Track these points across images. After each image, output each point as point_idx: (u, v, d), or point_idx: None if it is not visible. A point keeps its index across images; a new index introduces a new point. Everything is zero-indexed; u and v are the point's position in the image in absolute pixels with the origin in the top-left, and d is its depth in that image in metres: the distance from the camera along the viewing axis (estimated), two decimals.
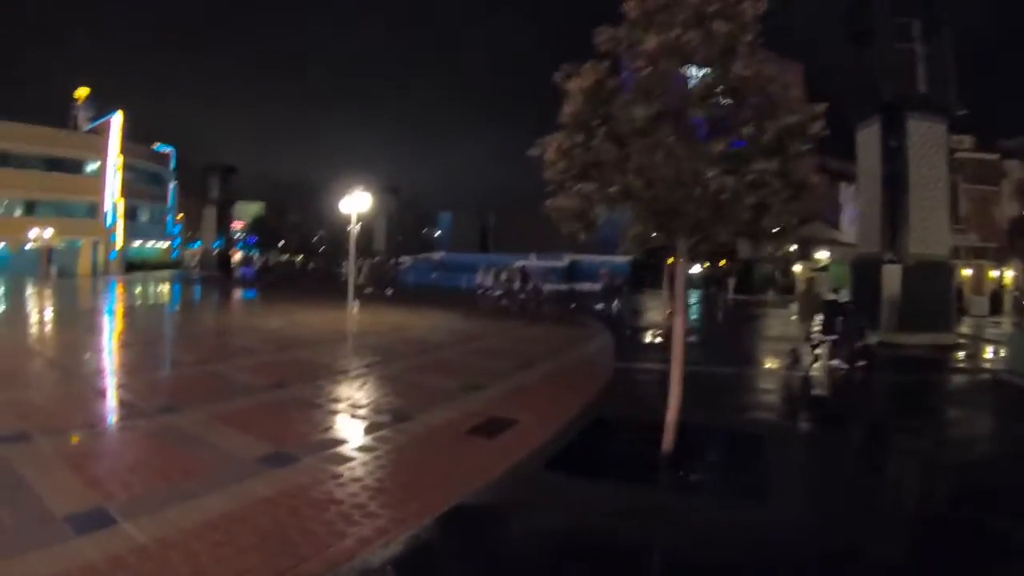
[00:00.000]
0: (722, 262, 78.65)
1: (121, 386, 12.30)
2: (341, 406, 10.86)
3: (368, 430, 9.38)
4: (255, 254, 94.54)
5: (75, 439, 8.63)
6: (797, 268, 56.46)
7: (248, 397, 11.28)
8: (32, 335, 20.34)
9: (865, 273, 25.80)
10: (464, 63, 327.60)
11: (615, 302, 33.93)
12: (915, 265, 23.75)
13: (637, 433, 9.92)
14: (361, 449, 8.43)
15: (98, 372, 13.96)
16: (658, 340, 22.57)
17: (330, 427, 9.65)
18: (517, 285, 40.26)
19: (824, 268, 52.24)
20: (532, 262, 53.25)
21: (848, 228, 60.64)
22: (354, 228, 23.70)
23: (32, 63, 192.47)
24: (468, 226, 70.99)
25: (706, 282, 59.04)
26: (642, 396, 13.06)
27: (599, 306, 34.66)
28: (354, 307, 22.67)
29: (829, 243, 58.38)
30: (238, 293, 43.74)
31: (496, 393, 12.24)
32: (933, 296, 23.59)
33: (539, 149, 8.06)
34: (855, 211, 46.84)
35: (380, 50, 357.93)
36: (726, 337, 26.28)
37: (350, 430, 9.44)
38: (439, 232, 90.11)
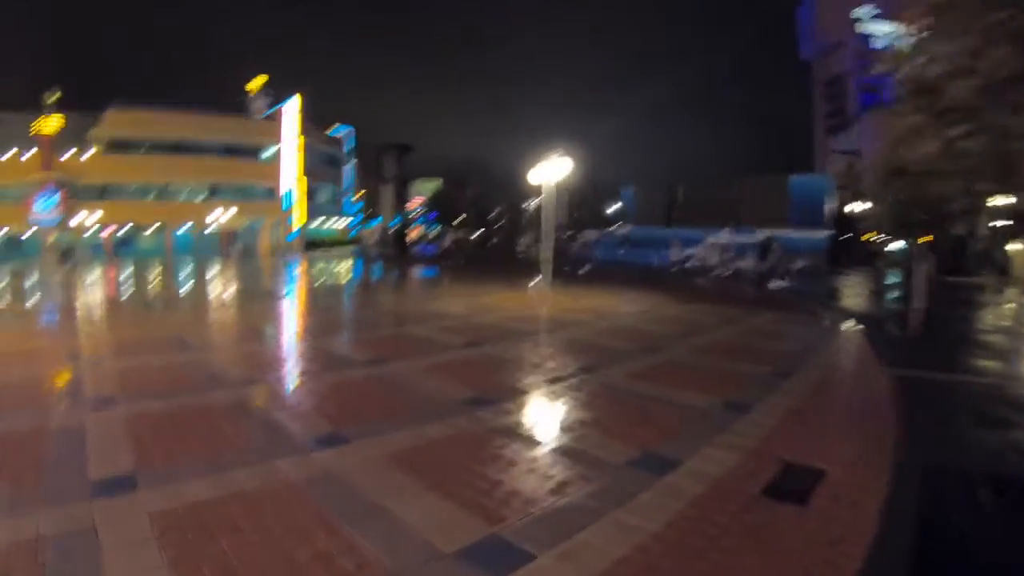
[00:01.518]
0: (927, 238, 72.53)
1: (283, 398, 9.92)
2: (566, 441, 7.74)
3: (618, 488, 6.33)
4: (435, 229, 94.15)
5: None
6: (1014, 247, 49.56)
7: (431, 420, 8.42)
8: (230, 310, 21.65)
9: None
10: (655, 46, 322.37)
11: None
12: None
13: (999, 492, 6.64)
14: (623, 530, 5.44)
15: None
16: (910, 336, 18.20)
17: (553, 479, 6.58)
18: (753, 262, 36.82)
19: None
20: (725, 237, 49.76)
21: None
22: (550, 197, 21.15)
23: (209, 53, 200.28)
24: (651, 200, 67.24)
25: (893, 262, 54.08)
26: (962, 425, 9.31)
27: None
28: (541, 286, 20.11)
29: None
30: (417, 272, 41.74)
31: (767, 418, 8.90)
32: None
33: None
34: None
35: (557, 24, 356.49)
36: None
37: (588, 490, 6.32)
38: (617, 206, 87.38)
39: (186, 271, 43.12)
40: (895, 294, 29.88)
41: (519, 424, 8.39)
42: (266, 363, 12.46)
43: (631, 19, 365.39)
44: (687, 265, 43.60)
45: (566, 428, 8.26)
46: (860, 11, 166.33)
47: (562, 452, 7.33)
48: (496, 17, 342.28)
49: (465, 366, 11.80)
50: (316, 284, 32.97)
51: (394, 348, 13.61)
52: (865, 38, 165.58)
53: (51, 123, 62.68)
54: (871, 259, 64.33)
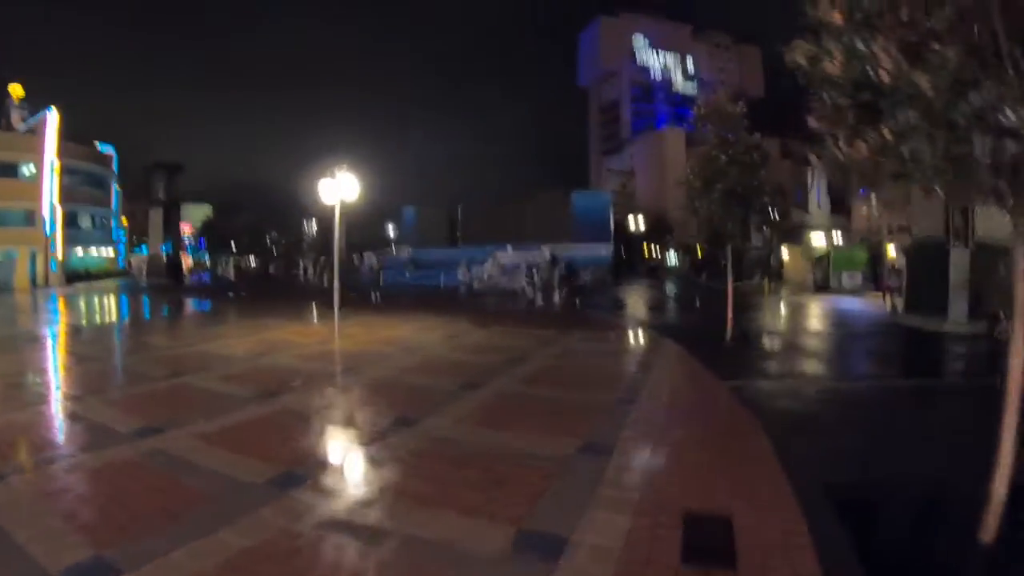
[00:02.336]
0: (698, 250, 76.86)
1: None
2: (415, 531, 5.81)
3: None
4: (209, 257, 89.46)
5: None
6: (785, 255, 54.29)
7: (228, 520, 6.01)
8: None
9: (927, 257, 25.07)
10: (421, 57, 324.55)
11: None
12: (980, 249, 22.93)
13: (906, 516, 6.51)
14: None
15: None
16: (731, 343, 18.65)
17: None
18: (545, 276, 36.29)
19: (823, 255, 50.16)
20: (508, 254, 49.54)
21: (816, 211, 59.74)
22: (338, 217, 19.45)
23: None
24: (433, 221, 66.42)
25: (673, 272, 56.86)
26: (831, 439, 9.28)
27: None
28: (333, 316, 18.47)
29: (823, 227, 56.57)
30: (194, 305, 37.01)
31: (635, 458, 7.80)
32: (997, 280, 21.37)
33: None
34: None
35: (330, 47, 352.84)
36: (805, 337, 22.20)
37: None
38: (393, 229, 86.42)
39: None
40: (678, 302, 31.25)
41: (344, 510, 6.38)
42: None
43: (414, 41, 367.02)
44: (476, 285, 42.79)
45: (407, 512, 6.28)
46: (636, 41, 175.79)
47: (418, 548, 5.48)
48: (271, 37, 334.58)
49: (261, 429, 9.44)
50: (79, 323, 28.25)
51: (170, 409, 10.55)
52: (639, 67, 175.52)
53: None
54: (652, 271, 67.03)
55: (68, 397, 11.60)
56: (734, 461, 7.57)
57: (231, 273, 48.95)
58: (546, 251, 50.26)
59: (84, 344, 19.81)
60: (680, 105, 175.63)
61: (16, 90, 73.17)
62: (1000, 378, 5.53)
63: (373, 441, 8.72)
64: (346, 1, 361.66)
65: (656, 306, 32.41)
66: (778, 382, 13.78)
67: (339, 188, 19.25)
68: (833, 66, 6.43)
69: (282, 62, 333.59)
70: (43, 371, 14.86)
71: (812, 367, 16.23)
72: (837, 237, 58.64)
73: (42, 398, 11.63)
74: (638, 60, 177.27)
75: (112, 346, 19.76)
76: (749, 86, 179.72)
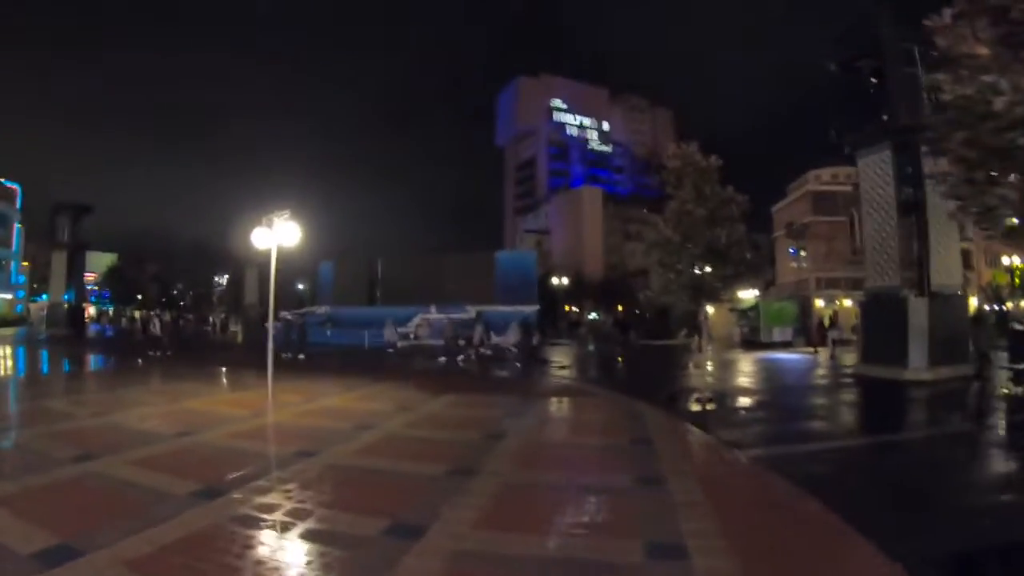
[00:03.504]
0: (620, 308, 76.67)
1: None
2: None
3: None
4: (112, 309, 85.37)
5: None
6: (710, 309, 53.78)
7: None
8: None
9: (883, 307, 25.55)
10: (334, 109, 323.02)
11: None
12: (937, 297, 24.42)
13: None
14: None
15: None
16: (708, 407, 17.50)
17: None
18: (477, 338, 34.88)
19: (751, 308, 50.20)
20: (433, 314, 47.85)
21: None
22: (273, 266, 17.59)
23: None
24: (350, 277, 63.97)
25: (597, 330, 56.49)
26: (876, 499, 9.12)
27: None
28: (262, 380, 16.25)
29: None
30: (98, 362, 33.87)
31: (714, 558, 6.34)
32: (953, 328, 24.05)
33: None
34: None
35: (248, 99, 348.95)
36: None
37: None
38: (304, 285, 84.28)
39: None
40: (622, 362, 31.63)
41: None
42: None
43: (335, 93, 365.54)
44: (400, 345, 40.90)
45: None
46: (554, 102, 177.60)
47: None
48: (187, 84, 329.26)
49: (211, 551, 6.87)
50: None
51: (83, 513, 8.02)
52: (557, 126, 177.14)
53: None
54: (573, 328, 66.46)
55: None
56: (825, 552, 6.84)
57: (156, 327, 45.51)
58: (472, 311, 48.80)
59: None
60: (595, 165, 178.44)
61: None
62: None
63: (379, 569, 6.37)
64: (263, 55, 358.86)
65: (602, 365, 30.89)
66: (791, 446, 12.80)
67: (277, 235, 17.52)
68: (1001, 103, 5.47)
69: (197, 111, 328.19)
70: None
71: (812, 426, 15.83)
72: (758, 291, 59.27)
73: None
74: (555, 120, 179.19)
75: (3, 413, 16.92)
76: (662, 146, 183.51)
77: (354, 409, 17.06)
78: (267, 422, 14.75)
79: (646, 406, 17.08)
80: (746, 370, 29.22)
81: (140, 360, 31.98)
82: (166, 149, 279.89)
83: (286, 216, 17.65)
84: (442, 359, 32.44)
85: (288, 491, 9.20)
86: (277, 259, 18.08)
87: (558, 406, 18.42)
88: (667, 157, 26.47)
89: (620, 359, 32.79)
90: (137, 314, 78.96)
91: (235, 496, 8.89)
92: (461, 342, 34.75)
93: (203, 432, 13.36)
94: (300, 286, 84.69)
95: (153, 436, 12.88)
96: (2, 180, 77.79)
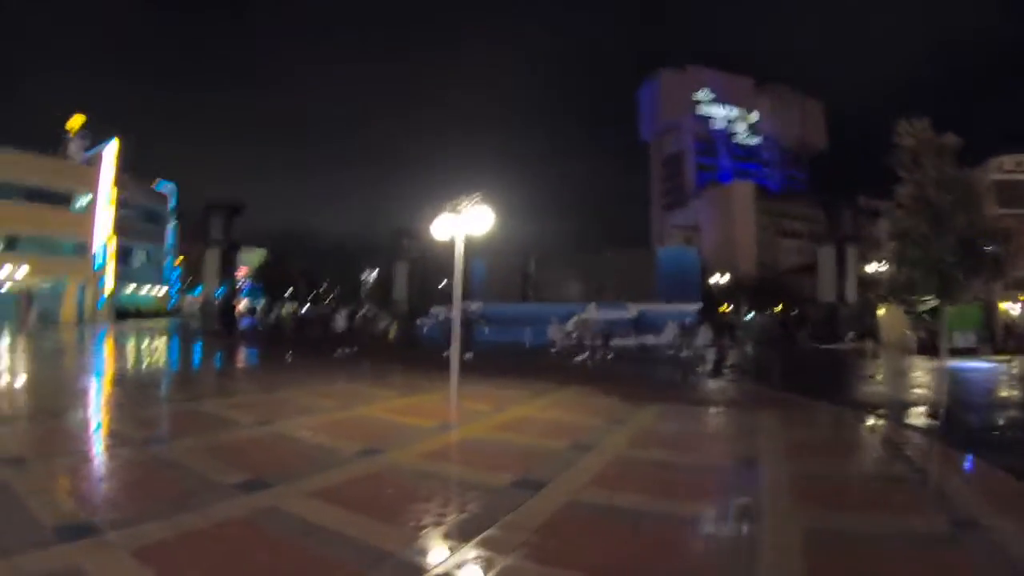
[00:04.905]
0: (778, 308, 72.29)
1: None
2: None
3: None
4: (264, 303, 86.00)
5: None
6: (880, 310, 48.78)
7: None
8: None
9: None
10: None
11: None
12: None
13: None
14: None
15: None
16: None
17: None
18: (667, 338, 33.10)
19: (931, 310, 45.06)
20: (591, 313, 45.25)
21: None
22: (459, 259, 15.33)
23: (27, 95, 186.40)
24: (504, 273, 62.01)
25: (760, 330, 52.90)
26: None
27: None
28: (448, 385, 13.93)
29: None
30: (253, 355, 33.48)
31: None
32: None
33: None
34: None
35: (384, 96, 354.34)
36: None
37: None
38: (445, 283, 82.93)
39: None
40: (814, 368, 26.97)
41: None
42: None
43: (471, 90, 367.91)
44: (562, 344, 38.38)
45: None
46: (699, 95, 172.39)
47: None
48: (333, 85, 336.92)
49: None
50: (123, 373, 24.59)
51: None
52: (702, 119, 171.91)
53: None
54: (730, 329, 63.08)
55: (74, 530, 6.82)
56: None
57: (339, 321, 44.23)
58: (632, 309, 46.35)
59: (122, 412, 15.18)
60: (743, 159, 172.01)
61: (76, 121, 71.62)
62: None
63: None
64: (403, 50, 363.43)
65: (779, 370, 27.45)
66: None
67: (465, 222, 15.28)
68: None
69: (340, 111, 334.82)
70: (52, 468, 9.63)
71: None
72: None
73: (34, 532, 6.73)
74: (701, 113, 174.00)
75: (153, 417, 14.83)
76: (812, 138, 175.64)
77: (555, 421, 14.42)
78: (460, 437, 12.28)
79: (875, 422, 15.07)
80: (947, 380, 25.25)
81: (293, 356, 30.45)
82: (314, 150, 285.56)
83: (477, 200, 15.38)
84: (585, 357, 30.01)
85: (535, 549, 6.60)
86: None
87: (782, 420, 15.20)
88: (898, 136, 23.18)
89: (794, 363, 29.48)
90: (287, 309, 79.27)
91: (468, 557, 6.42)
92: (615, 342, 32.42)
93: (389, 450, 10.93)
94: (449, 282, 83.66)
95: (330, 455, 10.57)
96: (158, 180, 79.41)
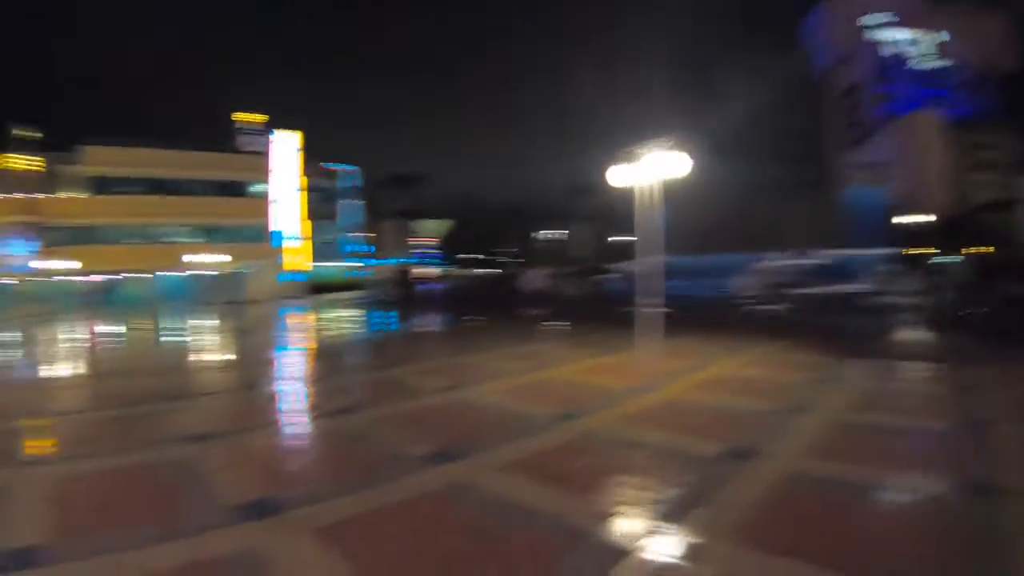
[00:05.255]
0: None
1: None
2: None
3: None
4: (445, 268, 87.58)
5: None
6: None
7: None
8: None
9: None
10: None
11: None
12: None
13: None
14: None
15: None
16: None
17: None
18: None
19: None
20: (776, 262, 43.50)
21: None
22: (644, 209, 14.60)
23: (214, 96, 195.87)
24: (685, 225, 60.47)
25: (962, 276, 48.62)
26: None
27: None
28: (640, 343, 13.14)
29: None
30: (437, 320, 33.33)
31: None
32: None
33: None
34: None
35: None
36: None
37: None
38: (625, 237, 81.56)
39: (168, 320, 38.50)
40: None
41: None
42: None
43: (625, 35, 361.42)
44: (749, 297, 36.83)
45: None
46: (873, 18, 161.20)
47: None
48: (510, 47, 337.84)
49: None
50: (321, 340, 25.91)
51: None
52: (879, 46, 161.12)
53: (21, 162, 60.72)
54: (935, 275, 58.78)
55: (257, 508, 6.70)
56: None
57: (533, 281, 44.24)
58: (818, 256, 44.34)
59: (309, 384, 15.55)
60: (927, 87, 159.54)
61: (248, 116, 75.96)
62: None
63: None
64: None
65: (1006, 321, 23.89)
66: None
67: (651, 169, 14.44)
68: None
69: (498, 69, 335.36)
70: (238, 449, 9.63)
71: None
72: None
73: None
74: (876, 39, 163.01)
75: (346, 387, 14.69)
76: (1002, 59, 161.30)
77: (756, 379, 13.34)
78: (658, 399, 11.46)
79: None
80: None
81: (477, 320, 30.66)
82: (483, 121, 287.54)
83: (669, 145, 14.52)
84: (773, 308, 28.59)
85: (751, 531, 5.84)
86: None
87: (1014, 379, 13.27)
88: None
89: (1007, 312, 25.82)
90: (469, 273, 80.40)
91: (674, 540, 5.75)
92: (804, 291, 30.89)
93: (583, 415, 10.35)
94: (630, 236, 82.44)
95: (523, 422, 10.09)
96: (337, 160, 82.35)
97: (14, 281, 56.96)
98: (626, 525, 6.14)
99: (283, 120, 74.97)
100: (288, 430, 10.71)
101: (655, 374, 13.30)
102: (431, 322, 32.52)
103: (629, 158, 14.87)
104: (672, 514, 6.26)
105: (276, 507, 6.71)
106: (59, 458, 9.15)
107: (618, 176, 15.23)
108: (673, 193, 16.07)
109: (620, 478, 7.35)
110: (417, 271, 76.95)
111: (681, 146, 14.34)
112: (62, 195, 61.51)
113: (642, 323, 15.99)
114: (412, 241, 79.15)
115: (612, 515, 6.32)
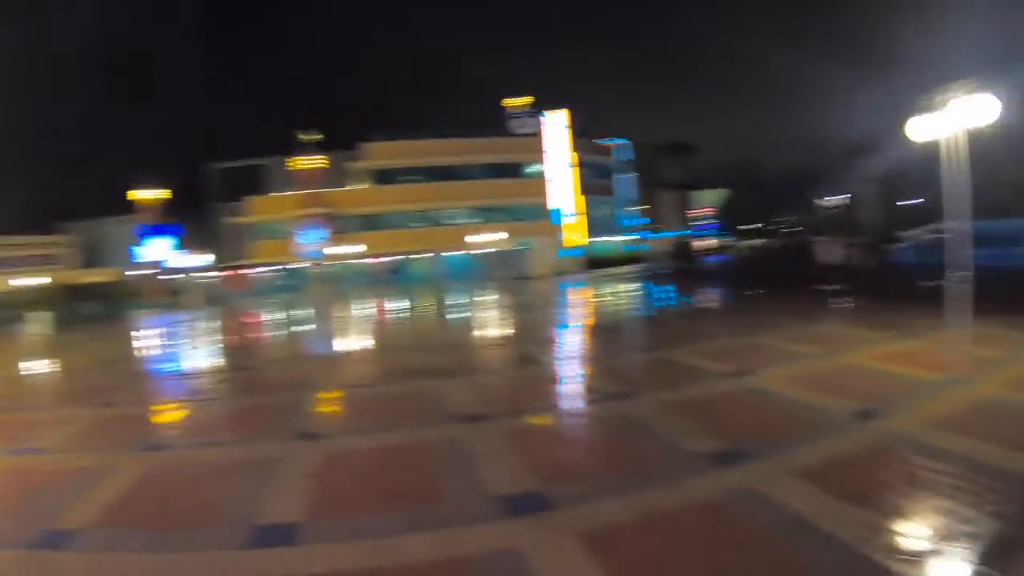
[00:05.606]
0: None
1: None
2: None
3: None
4: (726, 239, 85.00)
5: None
6: None
7: None
8: None
9: None
10: None
11: None
12: None
13: None
14: None
15: None
16: None
17: None
18: None
19: None
20: None
21: None
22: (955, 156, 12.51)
23: (477, 81, 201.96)
24: (990, 182, 54.34)
25: None
26: None
27: None
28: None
29: None
30: (719, 293, 31.71)
31: None
32: None
33: None
34: None
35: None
36: None
37: None
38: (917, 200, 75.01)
39: (451, 297, 40.95)
40: None
41: None
42: None
43: None
44: None
45: None
46: None
47: None
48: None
49: None
50: (599, 316, 25.64)
51: None
52: None
53: (312, 161, 68.09)
54: None
55: (521, 502, 6.34)
56: None
57: (821, 254, 41.46)
58: None
59: (588, 364, 14.91)
60: None
61: (518, 100, 77.97)
62: None
63: None
64: None
65: None
66: None
67: (962, 116, 12.30)
68: None
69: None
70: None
71: None
72: None
73: None
74: None
75: (624, 368, 13.93)
76: None
77: None
78: (973, 396, 9.56)
79: None
80: None
81: (761, 294, 28.55)
82: (753, 82, 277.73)
83: (974, 88, 12.32)
84: None
85: None
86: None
87: None
88: None
89: None
90: (749, 244, 77.40)
91: None
92: None
93: (887, 412, 8.84)
94: (913, 200, 76.43)
95: (817, 417, 8.85)
96: (608, 135, 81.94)
97: (309, 266, 65.34)
98: (939, 568, 5.07)
99: (550, 100, 76.36)
100: (561, 415, 10.34)
101: (963, 364, 11.36)
102: (712, 297, 31.14)
103: (931, 106, 12.76)
104: (1002, 556, 5.01)
105: (541, 503, 6.39)
106: (330, 433, 9.66)
107: (918, 128, 13.21)
108: (978, 145, 13.69)
109: (929, 500, 6.19)
110: (697, 243, 74.92)
111: (989, 88, 12.07)
112: (349, 188, 69.59)
113: (945, 300, 13.84)
114: (689, 212, 77.25)
115: (922, 552, 5.24)
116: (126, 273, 69.86)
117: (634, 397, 10.59)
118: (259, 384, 15.48)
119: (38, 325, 34.95)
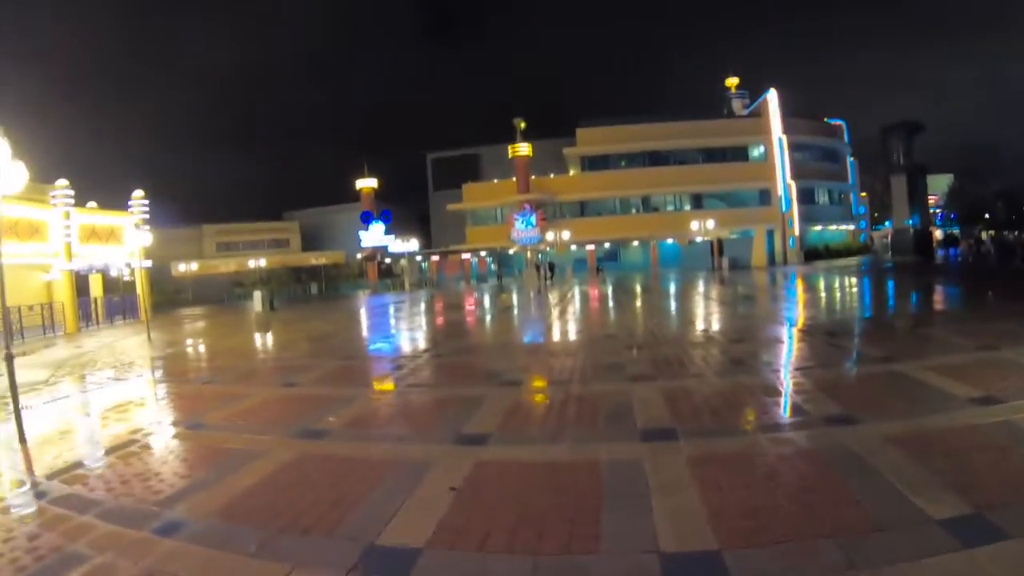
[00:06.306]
0: None
1: None
2: None
3: None
4: (956, 232, 79.43)
5: None
6: None
7: None
8: None
9: None
10: None
11: None
12: None
13: None
14: None
15: None
16: None
17: None
18: None
19: None
20: None
21: None
22: None
23: (684, 68, 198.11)
24: None
25: None
26: None
27: None
28: None
29: None
30: (952, 293, 27.70)
31: None
32: None
33: None
34: None
35: None
36: None
37: None
38: None
39: (669, 287, 40.06)
40: None
41: None
42: None
43: None
44: None
45: None
46: None
47: None
48: None
49: None
50: (811, 311, 23.19)
51: None
52: None
53: (523, 149, 67.89)
54: None
55: None
56: None
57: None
58: None
59: (811, 377, 11.67)
60: None
61: (732, 81, 76.33)
62: None
63: None
64: None
65: None
66: None
67: None
68: None
69: None
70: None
71: None
72: None
73: None
74: None
75: (839, 382, 11.53)
76: None
77: None
78: None
79: None
80: None
81: (1005, 297, 24.56)
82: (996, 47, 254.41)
83: None
84: None
85: None
86: None
87: None
88: None
89: None
90: (985, 235, 71.78)
91: None
92: None
93: None
94: None
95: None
96: (826, 119, 77.88)
97: (524, 252, 66.73)
98: None
99: (765, 80, 73.48)
100: (761, 442, 8.10)
101: None
102: (946, 295, 27.48)
103: None
104: None
105: (714, 572, 4.77)
106: (493, 438, 8.66)
107: None
108: None
109: None
110: (934, 234, 69.80)
111: None
112: (562, 176, 71.10)
113: None
114: (925, 198, 72.63)
115: None
116: (350, 256, 73.95)
117: (856, 425, 8.39)
118: (447, 373, 15.12)
119: (266, 301, 36.68)
